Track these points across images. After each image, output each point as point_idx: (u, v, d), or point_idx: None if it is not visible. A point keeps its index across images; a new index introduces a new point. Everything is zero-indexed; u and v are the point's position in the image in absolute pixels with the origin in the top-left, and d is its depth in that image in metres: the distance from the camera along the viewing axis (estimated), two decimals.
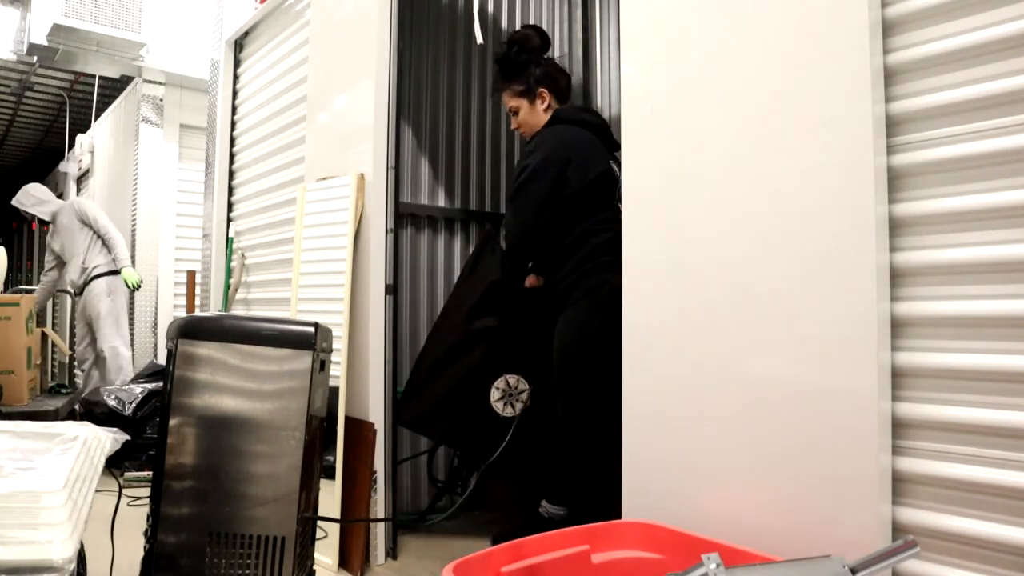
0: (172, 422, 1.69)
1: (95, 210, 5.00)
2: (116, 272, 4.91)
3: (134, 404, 3.73)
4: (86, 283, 4.89)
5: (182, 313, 5.06)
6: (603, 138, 2.45)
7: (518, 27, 3.49)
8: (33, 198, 5.02)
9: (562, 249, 2.34)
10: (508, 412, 2.48)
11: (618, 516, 1.67)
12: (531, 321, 2.50)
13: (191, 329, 1.74)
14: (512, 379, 2.49)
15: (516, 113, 2.52)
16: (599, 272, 2.24)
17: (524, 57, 2.49)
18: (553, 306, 2.38)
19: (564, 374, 2.31)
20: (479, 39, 2.50)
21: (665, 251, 1.64)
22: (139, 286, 5.01)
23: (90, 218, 4.92)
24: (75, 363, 5.09)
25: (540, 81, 2.47)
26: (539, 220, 2.32)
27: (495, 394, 2.48)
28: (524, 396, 2.49)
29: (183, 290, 5.19)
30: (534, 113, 2.49)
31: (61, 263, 5.05)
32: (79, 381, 5.34)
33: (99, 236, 4.93)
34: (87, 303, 4.87)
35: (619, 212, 2.08)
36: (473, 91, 3.36)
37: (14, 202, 4.98)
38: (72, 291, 5.02)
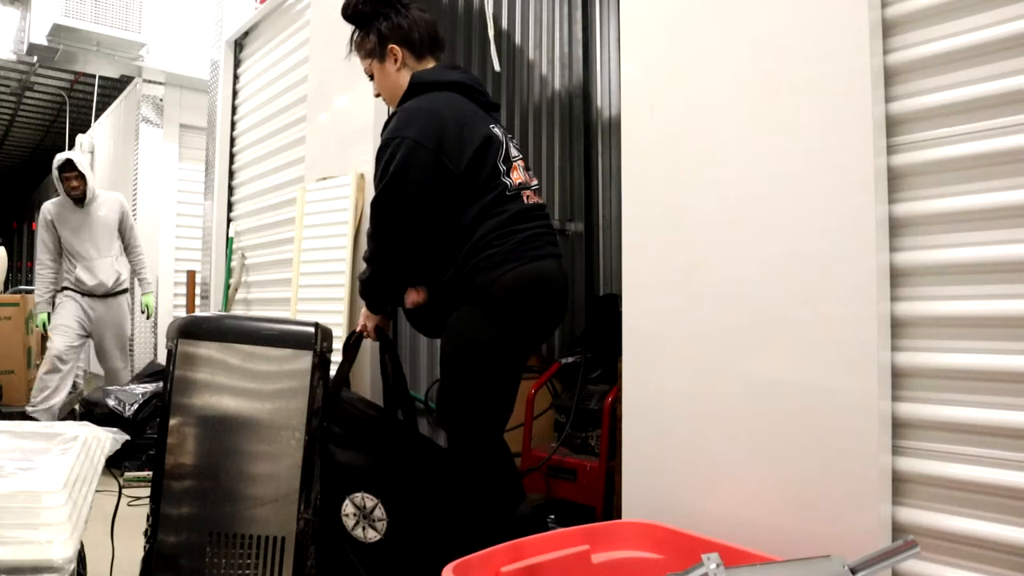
0: (172, 422, 1.69)
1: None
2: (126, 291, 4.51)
3: (135, 406, 3.73)
4: (114, 292, 4.40)
5: (182, 313, 5.06)
6: (475, 99, 2.01)
7: (519, 28, 3.50)
8: (86, 165, 4.33)
9: (443, 252, 1.92)
10: (373, 536, 1.98)
11: (616, 517, 1.67)
12: (344, 414, 2.02)
13: (191, 329, 1.74)
14: (358, 499, 1.98)
15: (372, 77, 2.08)
16: (486, 271, 1.85)
17: (369, 8, 2.00)
18: (440, 320, 1.98)
19: (445, 397, 1.95)
20: (496, 66, 2.23)
21: (665, 251, 1.64)
22: (151, 316, 4.69)
23: (128, 224, 4.48)
24: (58, 360, 4.23)
25: (387, 36, 1.99)
26: (411, 228, 1.87)
27: (349, 522, 1.98)
28: (378, 512, 1.97)
29: (183, 290, 5.19)
30: (386, 76, 2.02)
31: (58, 257, 4.38)
32: (80, 381, 5.29)
33: (127, 246, 4.48)
34: (113, 315, 4.38)
35: (505, 189, 1.90)
36: None
37: (74, 155, 4.25)
38: (92, 292, 4.35)
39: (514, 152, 2.01)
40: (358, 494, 1.98)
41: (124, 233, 4.45)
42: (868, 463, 1.26)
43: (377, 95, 2.12)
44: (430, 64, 2.05)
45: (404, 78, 2.00)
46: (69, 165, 4.18)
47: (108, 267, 4.36)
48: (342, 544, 1.95)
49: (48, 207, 4.29)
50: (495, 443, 1.97)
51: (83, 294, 4.33)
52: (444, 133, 1.86)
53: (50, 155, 4.49)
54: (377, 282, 1.98)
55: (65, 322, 4.26)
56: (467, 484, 1.94)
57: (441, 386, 2.00)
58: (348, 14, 2.05)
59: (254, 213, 3.68)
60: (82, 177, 4.22)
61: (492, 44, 2.23)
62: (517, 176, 1.97)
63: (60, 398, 4.14)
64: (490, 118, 2.02)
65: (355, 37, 2.07)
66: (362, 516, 1.98)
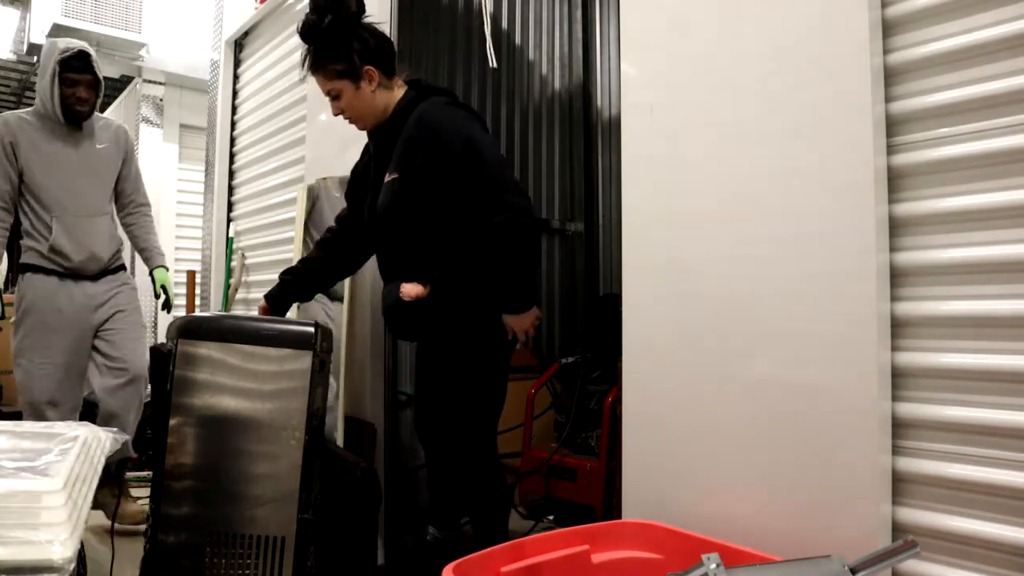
0: (172, 422, 1.69)
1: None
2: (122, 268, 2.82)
3: None
4: (113, 269, 2.76)
5: (182, 313, 5.04)
6: None
7: (519, 28, 3.50)
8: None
9: (452, 248, 1.93)
10: None
11: (616, 517, 1.67)
12: None
13: (191, 329, 1.74)
14: None
15: (337, 97, 2.00)
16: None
17: (340, 29, 1.95)
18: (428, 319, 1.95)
19: (456, 404, 1.98)
20: (492, 63, 2.29)
21: (665, 250, 1.64)
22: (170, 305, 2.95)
23: (134, 168, 2.89)
24: (48, 408, 2.57)
25: (365, 58, 1.96)
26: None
27: None
28: None
29: (183, 290, 5.19)
30: (361, 97, 1.98)
31: (10, 207, 2.61)
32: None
33: (127, 202, 2.85)
34: (121, 300, 2.73)
35: None
36: (473, 90, 3.36)
37: (89, 48, 2.61)
38: (80, 271, 2.64)
39: None
40: None
41: (125, 180, 2.83)
42: (868, 463, 1.26)
43: (338, 114, 2.04)
44: (399, 81, 2.05)
45: (380, 97, 1.99)
46: (83, 60, 2.54)
47: (104, 230, 2.71)
48: None
49: (8, 119, 2.59)
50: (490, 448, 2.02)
51: (64, 276, 2.61)
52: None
53: None
54: (535, 242, 1.95)
55: (41, 343, 2.55)
56: (485, 491, 1.98)
57: (445, 395, 1.97)
58: (311, 35, 1.95)
59: (254, 213, 3.68)
60: (96, 86, 2.61)
61: (489, 41, 2.25)
62: None
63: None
64: None
65: (312, 58, 1.98)
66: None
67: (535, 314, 1.92)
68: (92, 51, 2.56)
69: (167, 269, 2.88)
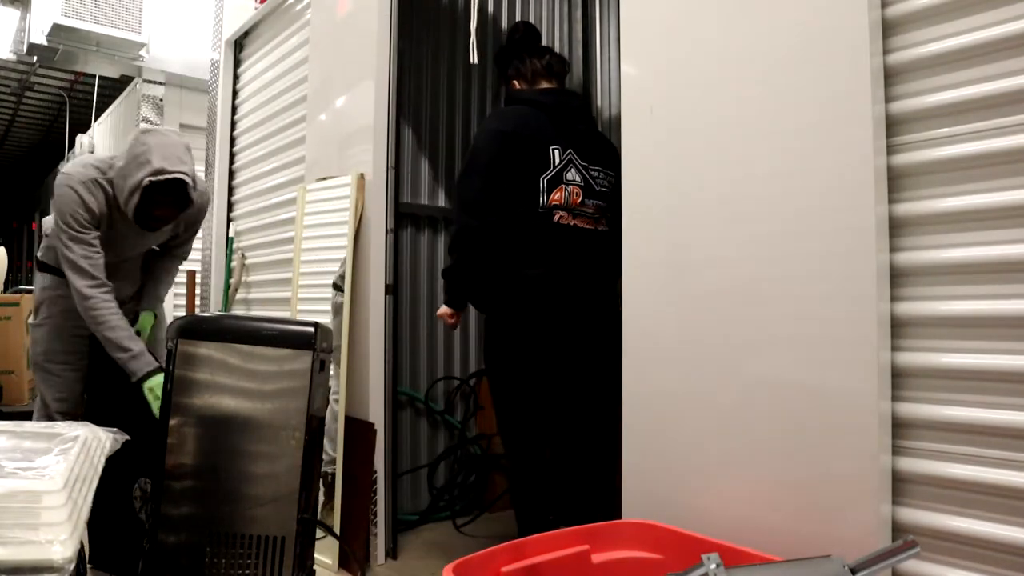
0: (172, 422, 1.69)
1: None
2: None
3: None
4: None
5: (182, 313, 5.04)
6: (554, 118, 2.20)
7: None
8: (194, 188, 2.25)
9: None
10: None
11: (616, 517, 1.67)
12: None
13: (191, 329, 1.74)
14: (142, 483, 2.05)
15: None
16: (516, 268, 2.13)
17: (504, 53, 2.43)
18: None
19: (492, 390, 2.31)
20: (474, 59, 2.39)
21: (665, 251, 1.64)
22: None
23: (192, 235, 2.61)
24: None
25: (508, 73, 2.39)
26: (484, 217, 2.12)
27: (137, 504, 2.08)
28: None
29: (183, 290, 5.18)
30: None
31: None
32: None
33: (169, 254, 2.60)
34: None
35: (536, 206, 2.11)
36: (473, 90, 3.36)
37: (187, 172, 2.13)
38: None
39: (572, 175, 2.15)
40: (142, 479, 2.08)
41: (178, 243, 2.58)
42: (868, 463, 1.26)
43: None
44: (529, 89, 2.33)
45: None
46: (179, 190, 2.16)
47: (128, 291, 2.49)
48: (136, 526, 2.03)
49: (103, 189, 2.21)
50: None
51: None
52: (505, 140, 2.12)
53: (50, 155, 4.26)
54: (456, 266, 2.25)
55: (64, 394, 2.33)
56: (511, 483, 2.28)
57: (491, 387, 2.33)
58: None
59: (254, 213, 3.68)
60: (180, 207, 2.23)
61: (473, 36, 2.29)
62: (557, 197, 2.12)
63: None
64: (559, 137, 2.17)
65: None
66: (144, 501, 2.07)
67: (442, 311, 2.29)
68: (190, 179, 2.14)
69: (155, 316, 2.51)
